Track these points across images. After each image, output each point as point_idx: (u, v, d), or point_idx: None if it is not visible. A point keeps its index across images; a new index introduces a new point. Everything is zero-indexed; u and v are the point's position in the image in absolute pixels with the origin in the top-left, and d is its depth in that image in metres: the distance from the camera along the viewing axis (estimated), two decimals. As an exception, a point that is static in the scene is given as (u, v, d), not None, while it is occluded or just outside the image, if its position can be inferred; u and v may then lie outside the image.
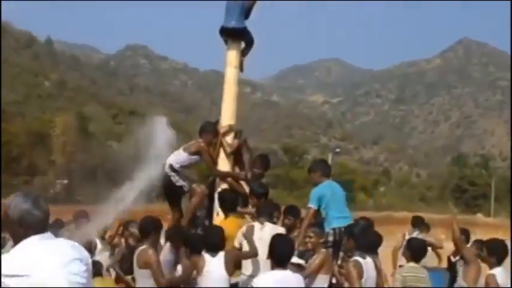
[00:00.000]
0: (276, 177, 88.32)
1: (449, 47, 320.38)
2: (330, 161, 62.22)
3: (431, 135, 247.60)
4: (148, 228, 7.60)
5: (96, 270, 8.54)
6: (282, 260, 6.27)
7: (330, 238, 8.43)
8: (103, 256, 10.44)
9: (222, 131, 9.06)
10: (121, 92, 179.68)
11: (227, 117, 9.13)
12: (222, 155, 9.08)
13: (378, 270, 7.33)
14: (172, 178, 8.94)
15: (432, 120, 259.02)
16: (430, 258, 12.13)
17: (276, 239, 6.59)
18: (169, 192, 9.20)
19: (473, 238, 11.02)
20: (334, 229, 8.49)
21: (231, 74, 9.20)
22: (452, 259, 10.91)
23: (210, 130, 9.14)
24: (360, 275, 6.79)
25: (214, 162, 9.04)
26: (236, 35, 9.27)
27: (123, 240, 10.71)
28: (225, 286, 7.23)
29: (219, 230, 7.54)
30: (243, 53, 9.49)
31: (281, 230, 7.83)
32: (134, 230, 10.08)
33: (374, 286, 7.05)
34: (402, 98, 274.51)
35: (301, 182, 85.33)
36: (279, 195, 59.52)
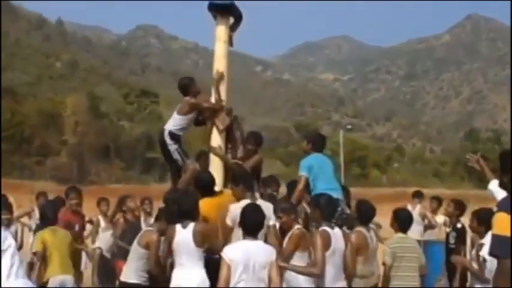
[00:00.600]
0: (289, 154, 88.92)
1: (458, 23, 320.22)
2: (341, 138, 62.25)
3: (443, 111, 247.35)
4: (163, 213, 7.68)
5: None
6: (252, 229, 6.26)
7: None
8: (105, 235, 10.58)
9: (212, 107, 8.93)
10: (133, 71, 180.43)
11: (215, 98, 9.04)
12: (214, 132, 8.97)
13: (347, 242, 7.14)
14: (169, 148, 8.90)
15: (443, 96, 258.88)
16: (438, 232, 12.72)
17: (246, 208, 6.55)
18: (168, 161, 9.11)
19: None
20: None
21: (220, 49, 9.17)
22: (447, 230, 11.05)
23: (191, 84, 9.13)
24: (327, 244, 6.60)
25: (213, 106, 8.93)
26: (224, 10, 9.23)
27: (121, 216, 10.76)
28: (194, 257, 7.08)
29: (193, 198, 7.42)
30: (232, 28, 9.43)
31: (269, 206, 7.57)
32: (131, 204, 10.40)
33: (342, 258, 6.85)
34: (412, 74, 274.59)
35: None
36: (292, 172, 59.84)
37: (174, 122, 8.95)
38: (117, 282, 9.21)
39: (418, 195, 13.52)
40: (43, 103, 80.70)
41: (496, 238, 3.80)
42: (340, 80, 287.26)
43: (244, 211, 6.45)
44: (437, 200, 13.49)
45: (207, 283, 7.02)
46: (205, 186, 7.97)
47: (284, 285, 6.85)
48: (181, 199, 7.38)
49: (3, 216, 9.52)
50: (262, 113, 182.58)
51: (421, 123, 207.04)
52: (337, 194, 8.26)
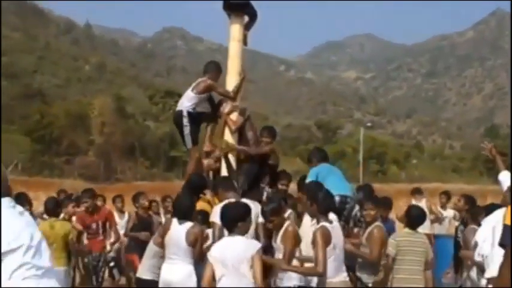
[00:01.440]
0: (310, 152, 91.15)
1: (482, 19, 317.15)
2: (361, 135, 64.62)
3: (464, 108, 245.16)
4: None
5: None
6: (229, 225, 6.29)
7: None
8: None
9: (226, 110, 8.94)
10: (158, 73, 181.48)
11: (232, 86, 9.05)
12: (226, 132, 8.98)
13: (346, 234, 7.32)
14: (184, 129, 8.90)
15: (465, 92, 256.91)
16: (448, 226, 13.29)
17: (224, 206, 6.68)
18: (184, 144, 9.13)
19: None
20: None
21: (234, 48, 9.13)
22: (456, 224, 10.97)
23: (214, 68, 9.11)
24: (327, 241, 6.41)
25: (227, 94, 9.01)
26: (238, 9, 9.18)
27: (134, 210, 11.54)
28: (183, 253, 7.25)
29: (189, 198, 7.57)
30: (247, 27, 9.34)
31: (256, 205, 7.70)
32: (143, 201, 11.16)
33: (342, 251, 6.71)
34: (434, 71, 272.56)
35: (334, 156, 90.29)
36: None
37: (189, 101, 8.90)
38: (131, 275, 10.13)
39: (417, 192, 13.95)
40: (71, 105, 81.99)
41: (507, 228, 3.70)
42: (362, 79, 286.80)
43: (222, 209, 6.60)
44: (446, 195, 13.87)
45: (193, 278, 7.17)
46: (197, 189, 8.16)
47: (278, 282, 7.07)
48: (178, 199, 7.70)
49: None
50: (285, 112, 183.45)
51: (442, 120, 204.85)
52: (344, 191, 8.49)
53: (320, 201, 6.73)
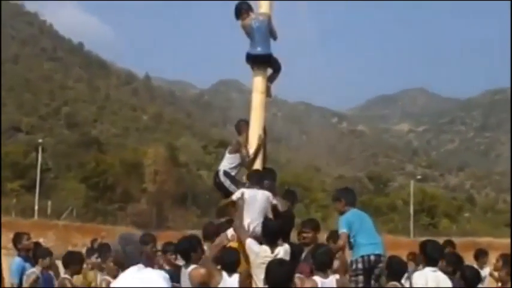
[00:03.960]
0: (360, 204, 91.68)
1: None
2: (411, 188, 64.99)
3: None
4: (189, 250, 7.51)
5: None
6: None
7: (359, 265, 8.19)
8: None
9: (247, 154, 8.88)
10: (214, 124, 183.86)
11: (254, 141, 8.98)
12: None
13: None
14: (225, 184, 8.91)
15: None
16: None
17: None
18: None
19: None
20: (362, 256, 8.22)
21: (257, 100, 9.11)
22: None
23: (242, 125, 9.22)
24: None
25: (243, 160, 8.97)
26: (262, 61, 9.14)
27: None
28: None
29: (235, 251, 7.55)
30: (270, 79, 9.31)
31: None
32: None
33: None
34: (487, 125, 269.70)
35: (385, 209, 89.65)
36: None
37: (225, 162, 9.09)
38: None
39: (481, 254, 12.52)
40: (126, 153, 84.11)
41: None
42: (414, 131, 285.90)
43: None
44: (484, 252, 12.82)
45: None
46: (227, 264, 7.47)
47: None
48: (224, 252, 7.61)
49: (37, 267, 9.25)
50: (337, 164, 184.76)
51: (495, 174, 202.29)
52: (378, 250, 8.30)
53: (316, 258, 7.27)
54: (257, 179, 8.34)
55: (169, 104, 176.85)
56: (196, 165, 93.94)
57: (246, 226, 7.88)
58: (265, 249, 7.53)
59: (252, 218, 7.92)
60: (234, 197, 8.16)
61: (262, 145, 8.98)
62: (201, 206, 77.19)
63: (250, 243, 7.61)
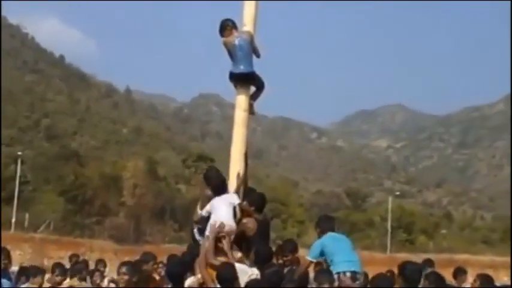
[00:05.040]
0: (337, 220, 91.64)
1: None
2: (389, 204, 65.30)
3: (495, 179, 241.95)
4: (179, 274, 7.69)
5: None
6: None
7: (335, 284, 7.87)
8: None
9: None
10: (193, 138, 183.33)
11: (236, 158, 8.99)
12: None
13: None
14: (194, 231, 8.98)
15: (496, 163, 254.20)
16: None
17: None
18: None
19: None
20: (338, 273, 8.01)
21: (239, 117, 9.09)
22: None
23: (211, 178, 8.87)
24: None
25: (237, 189, 8.78)
26: (245, 80, 9.09)
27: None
28: None
29: (231, 267, 7.36)
30: (253, 96, 9.27)
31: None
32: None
33: None
34: (465, 142, 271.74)
35: (362, 225, 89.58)
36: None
37: (196, 217, 8.84)
38: None
39: (459, 272, 12.16)
40: (105, 166, 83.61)
41: None
42: (393, 147, 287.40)
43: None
44: (462, 271, 12.45)
45: None
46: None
47: None
48: (220, 269, 7.39)
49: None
50: (315, 179, 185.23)
51: (473, 191, 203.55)
52: (355, 267, 8.14)
53: (295, 283, 7.46)
54: (222, 190, 8.51)
55: (150, 118, 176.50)
56: (175, 178, 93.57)
57: (217, 223, 7.98)
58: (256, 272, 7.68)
59: (220, 214, 8.09)
60: (204, 211, 8.33)
61: (245, 164, 8.99)
62: (179, 220, 77.09)
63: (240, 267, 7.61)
